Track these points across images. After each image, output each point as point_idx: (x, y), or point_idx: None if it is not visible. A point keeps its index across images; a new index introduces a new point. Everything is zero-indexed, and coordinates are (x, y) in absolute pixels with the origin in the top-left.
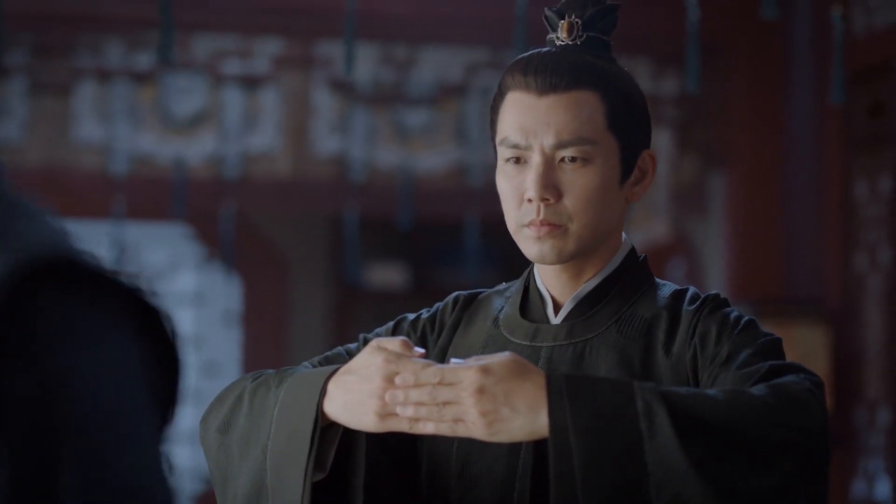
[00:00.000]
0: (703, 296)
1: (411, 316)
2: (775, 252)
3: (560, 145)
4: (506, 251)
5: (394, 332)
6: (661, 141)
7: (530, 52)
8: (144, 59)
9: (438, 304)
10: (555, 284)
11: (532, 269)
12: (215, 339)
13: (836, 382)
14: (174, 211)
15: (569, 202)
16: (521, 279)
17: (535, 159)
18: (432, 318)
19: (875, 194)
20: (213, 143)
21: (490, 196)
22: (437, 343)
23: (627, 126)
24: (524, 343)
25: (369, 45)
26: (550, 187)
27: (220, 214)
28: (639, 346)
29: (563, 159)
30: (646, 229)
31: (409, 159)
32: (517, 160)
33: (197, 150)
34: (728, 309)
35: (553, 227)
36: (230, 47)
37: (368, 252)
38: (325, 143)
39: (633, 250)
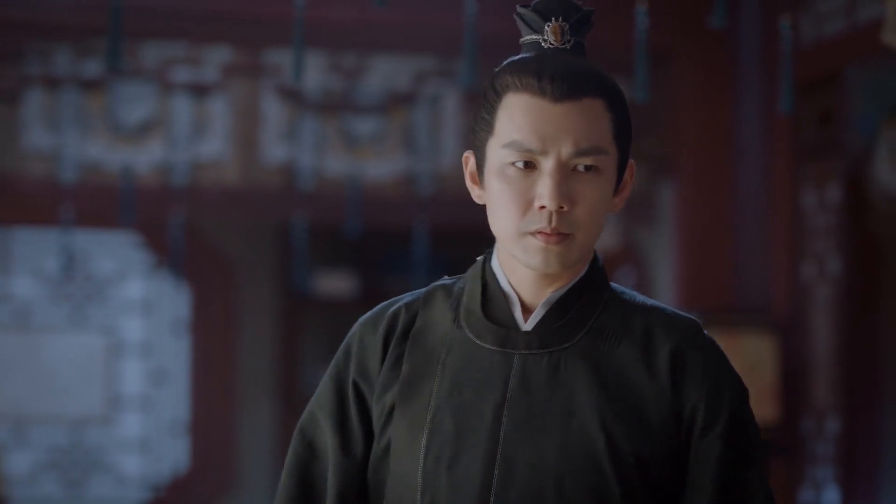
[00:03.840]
0: (673, 314)
1: (330, 377)
2: (724, 261)
3: (578, 153)
4: (454, 259)
5: (338, 406)
6: None
7: (527, 54)
8: (93, 67)
9: (351, 348)
10: (526, 286)
11: (488, 264)
12: (164, 347)
13: (784, 392)
14: (123, 219)
15: (580, 212)
16: (474, 275)
17: (551, 166)
18: (360, 370)
19: (823, 203)
20: (162, 150)
21: (438, 204)
22: (380, 387)
23: (626, 136)
24: (493, 349)
25: (318, 53)
26: (566, 196)
27: (169, 222)
28: (613, 362)
29: (575, 167)
30: None
31: (358, 167)
32: (525, 164)
33: (145, 157)
34: (714, 358)
35: (561, 236)
36: (179, 55)
37: (317, 260)
38: (274, 151)
39: (596, 256)
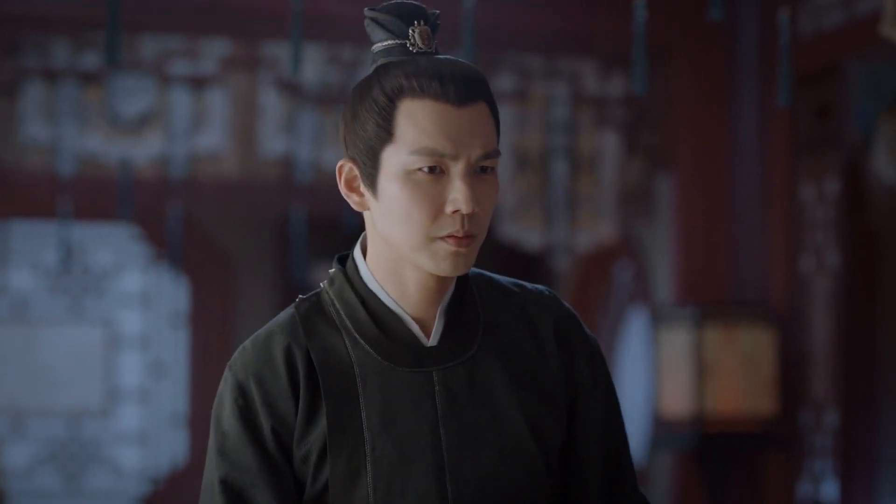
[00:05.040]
0: (534, 290)
1: (237, 434)
2: (722, 254)
3: (485, 156)
4: None
5: (264, 462)
6: (608, 143)
7: (401, 58)
8: (91, 60)
9: (248, 395)
10: (414, 300)
11: (356, 278)
12: (162, 339)
13: (783, 385)
14: (121, 211)
15: (482, 213)
16: (340, 293)
17: (461, 170)
18: (273, 415)
19: (822, 196)
20: (160, 143)
21: None
22: (300, 431)
23: (499, 135)
24: (411, 370)
25: (316, 46)
26: (476, 199)
27: (167, 215)
28: (514, 353)
29: (477, 170)
30: (592, 231)
31: None
32: (431, 169)
33: (144, 150)
34: (579, 324)
35: (470, 238)
36: (177, 48)
37: (315, 252)
38: (272, 143)
39: None
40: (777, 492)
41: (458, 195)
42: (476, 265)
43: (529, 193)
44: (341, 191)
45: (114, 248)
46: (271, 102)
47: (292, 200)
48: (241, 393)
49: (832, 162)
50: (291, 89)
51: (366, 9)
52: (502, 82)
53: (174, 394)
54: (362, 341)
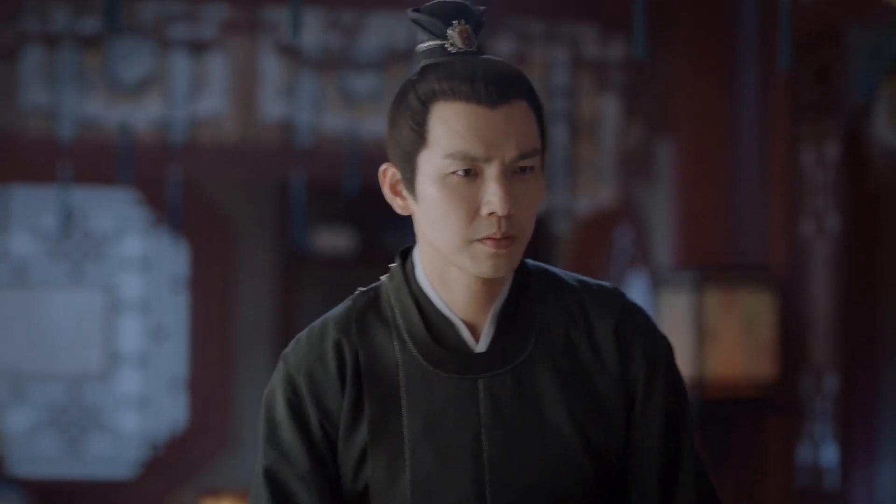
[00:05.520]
0: (596, 287)
1: (286, 422)
2: (722, 218)
3: (520, 157)
4: None
5: (311, 456)
6: (609, 107)
7: (437, 60)
8: (91, 24)
9: (297, 386)
10: (465, 304)
11: (413, 278)
12: (162, 304)
13: (783, 349)
14: (121, 176)
15: (522, 214)
16: (398, 291)
17: (496, 172)
18: (321, 409)
19: (822, 160)
20: (160, 107)
21: None
22: (345, 429)
23: (545, 133)
24: (456, 376)
25: (316, 10)
26: (513, 200)
27: (167, 180)
28: (567, 356)
29: (513, 170)
30: (592, 195)
31: (356, 124)
32: (466, 172)
33: (144, 115)
34: (644, 324)
35: (510, 239)
36: (177, 12)
37: (315, 217)
38: (272, 108)
39: None
40: (777, 456)
41: (492, 197)
42: None
43: None
44: (385, 195)
45: (114, 213)
46: (271, 67)
47: (292, 165)
48: (292, 386)
49: (832, 126)
50: (291, 53)
51: (409, 10)
52: (502, 47)
53: (174, 358)
54: (411, 344)
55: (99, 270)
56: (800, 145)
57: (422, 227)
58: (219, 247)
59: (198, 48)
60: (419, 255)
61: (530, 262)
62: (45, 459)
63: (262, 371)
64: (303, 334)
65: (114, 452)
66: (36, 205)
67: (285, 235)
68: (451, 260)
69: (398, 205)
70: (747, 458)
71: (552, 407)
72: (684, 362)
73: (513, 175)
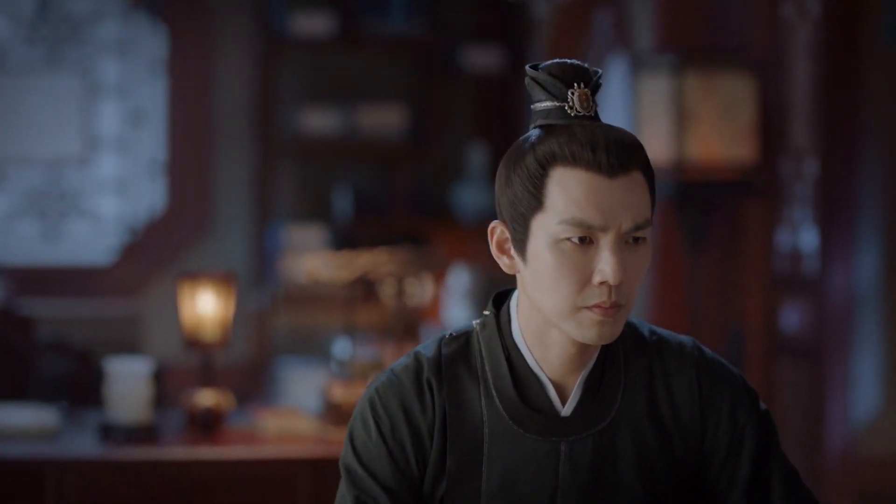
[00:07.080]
0: (675, 344)
1: (375, 455)
2: (702, 1)
3: (636, 228)
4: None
5: (396, 473)
6: None
7: (564, 123)
8: None
9: (394, 417)
10: (557, 365)
11: (507, 331)
12: (141, 87)
13: (763, 132)
14: None
15: (629, 283)
16: (490, 343)
17: (610, 242)
18: (417, 445)
19: None
20: None
21: None
22: (430, 475)
23: (654, 201)
24: (539, 438)
25: None
26: (625, 271)
27: None
28: (647, 421)
29: (628, 240)
30: None
31: None
32: (581, 239)
33: None
34: (721, 377)
35: (617, 307)
36: None
37: (293, 1)
38: None
39: None
40: (756, 239)
41: (606, 267)
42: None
43: None
44: (492, 252)
45: None
46: None
47: None
48: (389, 417)
49: None
50: None
51: (527, 66)
52: None
53: (153, 142)
54: (497, 401)
55: (77, 54)
56: None
57: (527, 288)
58: (197, 30)
59: None
60: (516, 311)
61: None
62: (24, 244)
63: (241, 155)
64: (398, 368)
65: (92, 237)
66: None
67: (264, 18)
68: (553, 323)
69: (504, 263)
70: (727, 241)
71: (629, 471)
72: (664, 146)
73: (625, 245)
